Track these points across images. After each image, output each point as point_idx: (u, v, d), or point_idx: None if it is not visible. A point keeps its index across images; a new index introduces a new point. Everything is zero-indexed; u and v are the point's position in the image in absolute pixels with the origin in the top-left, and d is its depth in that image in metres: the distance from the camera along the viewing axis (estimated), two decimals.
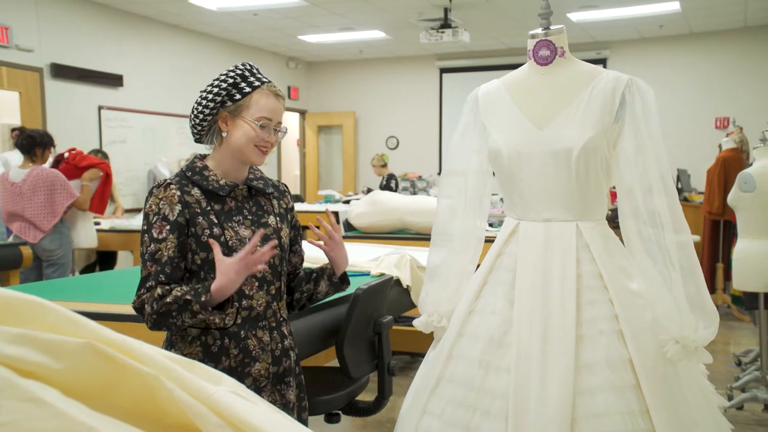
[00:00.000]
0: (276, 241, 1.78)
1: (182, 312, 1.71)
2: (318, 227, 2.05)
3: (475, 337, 2.06)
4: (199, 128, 1.91)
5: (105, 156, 6.53)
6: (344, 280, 2.09)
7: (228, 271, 1.69)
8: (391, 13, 8.44)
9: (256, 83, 1.87)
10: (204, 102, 1.88)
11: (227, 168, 1.88)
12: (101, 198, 5.58)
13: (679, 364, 1.94)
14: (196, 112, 1.90)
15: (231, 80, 1.86)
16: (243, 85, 1.86)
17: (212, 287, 1.70)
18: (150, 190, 1.83)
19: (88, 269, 6.40)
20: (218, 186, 1.85)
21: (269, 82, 1.90)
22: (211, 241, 1.74)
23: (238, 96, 1.85)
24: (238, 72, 1.87)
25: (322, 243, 2.03)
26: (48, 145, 5.01)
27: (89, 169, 5.44)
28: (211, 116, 1.87)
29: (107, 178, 5.57)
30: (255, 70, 1.91)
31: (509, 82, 2.18)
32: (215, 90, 1.86)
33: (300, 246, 2.09)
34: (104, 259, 6.50)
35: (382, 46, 10.65)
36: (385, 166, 9.09)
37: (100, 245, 5.77)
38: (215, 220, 1.82)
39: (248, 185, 1.92)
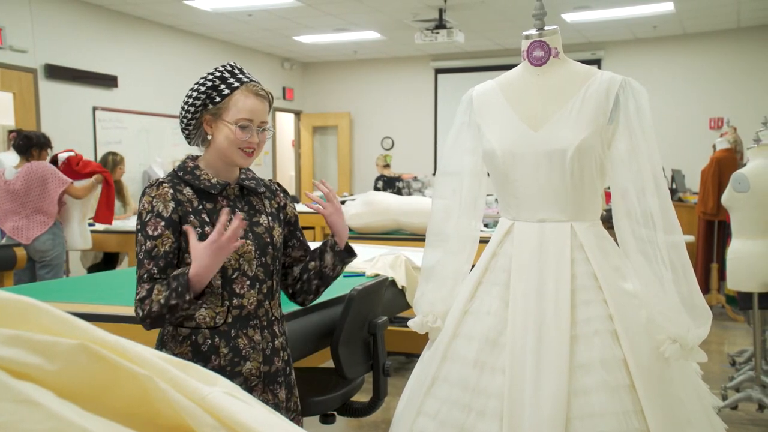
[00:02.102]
0: (241, 216, 1.75)
1: (173, 313, 1.72)
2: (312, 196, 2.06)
3: (470, 338, 2.06)
4: (187, 131, 1.92)
5: (115, 157, 6.51)
6: (350, 251, 2.05)
7: (202, 257, 1.67)
8: (385, 13, 8.44)
9: (236, 84, 1.85)
10: (186, 106, 1.88)
11: (218, 169, 1.88)
12: (107, 206, 5.55)
13: (673, 364, 1.95)
14: (181, 115, 1.90)
15: (210, 83, 1.85)
16: (222, 87, 1.84)
17: (190, 276, 1.68)
18: (143, 190, 1.83)
19: (94, 268, 6.37)
20: (210, 185, 1.84)
21: (250, 81, 1.87)
22: (187, 227, 1.72)
23: (218, 99, 1.84)
24: (217, 74, 1.86)
25: (319, 207, 2.02)
26: (45, 146, 5.01)
27: (92, 175, 5.41)
28: (195, 120, 1.87)
29: (108, 186, 5.53)
30: (237, 71, 1.88)
31: (503, 83, 2.19)
32: (195, 94, 1.86)
33: (299, 240, 2.07)
34: (108, 260, 6.49)
35: (377, 47, 10.65)
36: (386, 166, 9.04)
37: (96, 246, 5.75)
38: (207, 219, 1.82)
39: (240, 184, 1.92)
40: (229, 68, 1.88)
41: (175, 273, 1.74)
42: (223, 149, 1.84)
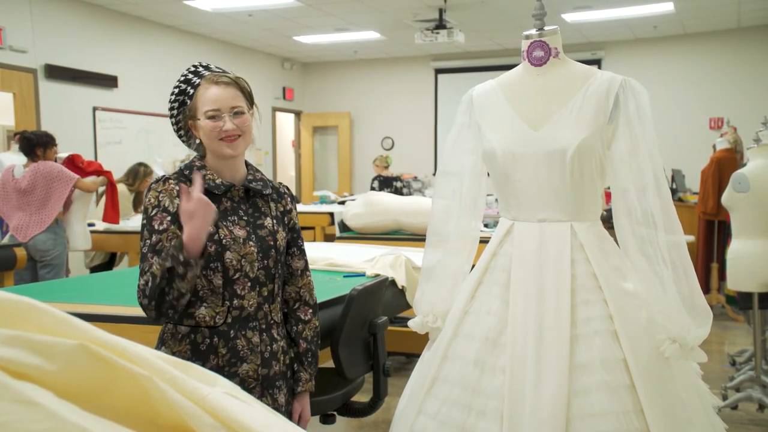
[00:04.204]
0: (201, 174, 1.76)
1: (172, 282, 1.68)
2: None
3: (470, 338, 2.06)
4: (185, 140, 1.96)
5: (147, 169, 6.56)
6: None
7: (186, 219, 1.67)
8: (385, 13, 8.44)
9: (197, 81, 1.88)
10: (171, 120, 1.94)
11: (220, 169, 1.88)
12: (113, 206, 5.57)
13: (673, 364, 1.95)
14: (173, 128, 1.96)
15: (178, 89, 1.91)
16: (188, 89, 1.89)
17: (184, 238, 1.66)
18: (149, 185, 1.84)
19: (98, 268, 6.37)
20: (214, 185, 1.85)
21: (211, 73, 1.89)
22: (192, 182, 1.70)
23: (188, 101, 1.89)
24: (182, 79, 1.91)
25: None
26: (48, 144, 5.03)
27: (97, 173, 5.42)
28: (182, 129, 1.93)
29: (112, 186, 5.55)
30: (201, 68, 1.92)
31: (503, 83, 2.19)
32: (170, 105, 1.92)
33: (300, 249, 2.05)
34: (113, 260, 6.51)
35: (377, 47, 10.65)
36: (386, 167, 9.07)
37: (96, 246, 5.76)
38: None
39: (245, 186, 1.91)
40: (193, 69, 1.92)
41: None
42: (208, 145, 1.87)
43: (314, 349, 2.04)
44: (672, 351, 1.89)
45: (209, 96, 1.83)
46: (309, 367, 2.02)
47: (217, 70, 1.92)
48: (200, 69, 1.91)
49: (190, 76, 1.90)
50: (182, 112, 1.90)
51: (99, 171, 5.45)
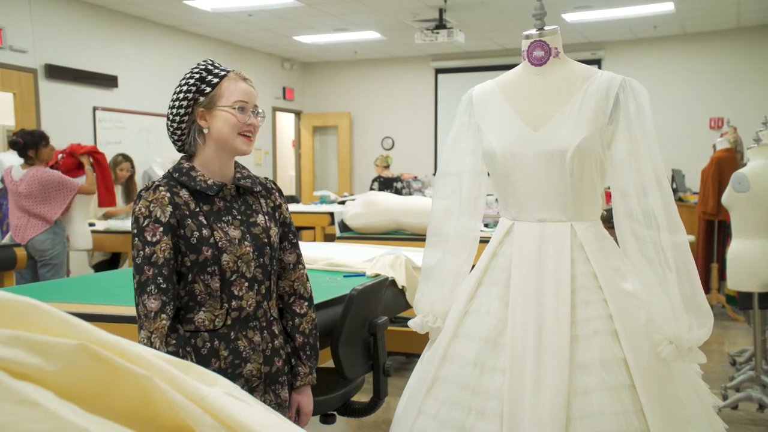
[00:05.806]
0: None
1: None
2: None
3: (469, 338, 2.06)
4: (179, 132, 1.88)
5: (127, 159, 6.57)
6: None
7: None
8: (385, 13, 8.44)
9: (222, 73, 1.87)
10: (176, 104, 1.87)
11: (214, 167, 1.86)
12: (106, 188, 5.51)
13: (673, 364, 1.95)
14: (171, 116, 1.88)
15: (198, 75, 1.86)
16: (210, 77, 1.86)
17: None
18: (138, 193, 1.81)
19: (100, 266, 6.36)
20: (206, 186, 1.83)
21: (233, 70, 1.91)
22: None
23: (208, 89, 1.84)
24: (201, 67, 1.88)
25: None
26: (38, 144, 4.98)
27: (84, 155, 5.41)
28: (188, 116, 1.86)
29: (101, 168, 5.48)
30: (217, 64, 1.92)
31: (503, 83, 2.18)
32: (184, 89, 1.86)
33: (291, 243, 2.04)
34: (115, 258, 6.51)
35: (377, 47, 10.65)
36: (387, 167, 9.08)
37: (96, 246, 5.76)
38: (204, 221, 1.80)
39: (236, 184, 1.90)
40: (210, 62, 1.91)
41: None
42: (224, 137, 1.83)
43: (312, 342, 2.03)
44: (669, 352, 1.88)
45: (240, 88, 1.85)
46: (308, 360, 2.01)
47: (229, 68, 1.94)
48: (217, 64, 1.91)
49: (211, 67, 1.88)
50: (195, 98, 1.85)
51: (88, 152, 5.41)
